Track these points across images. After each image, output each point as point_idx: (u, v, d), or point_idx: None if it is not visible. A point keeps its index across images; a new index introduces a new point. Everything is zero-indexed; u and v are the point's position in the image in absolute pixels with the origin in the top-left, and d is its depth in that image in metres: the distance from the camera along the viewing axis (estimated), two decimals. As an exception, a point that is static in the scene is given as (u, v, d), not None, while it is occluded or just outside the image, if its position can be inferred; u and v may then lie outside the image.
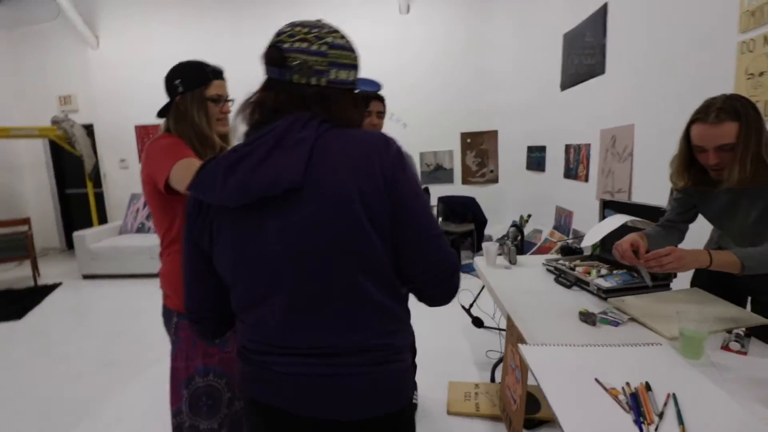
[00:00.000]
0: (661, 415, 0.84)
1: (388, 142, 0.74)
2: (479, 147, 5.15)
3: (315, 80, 0.73)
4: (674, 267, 1.20)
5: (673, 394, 0.89)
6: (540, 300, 1.53)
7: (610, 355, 1.08)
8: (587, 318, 1.31)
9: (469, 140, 5.14)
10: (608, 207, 1.84)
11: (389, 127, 5.23)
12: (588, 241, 1.68)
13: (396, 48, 5.03)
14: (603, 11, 3.02)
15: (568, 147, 3.74)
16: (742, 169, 1.15)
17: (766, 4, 1.68)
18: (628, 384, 0.94)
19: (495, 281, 1.79)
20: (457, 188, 5.23)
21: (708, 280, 1.48)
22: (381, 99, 1.76)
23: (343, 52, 0.76)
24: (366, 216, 0.68)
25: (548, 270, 1.85)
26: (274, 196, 0.66)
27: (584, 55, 3.33)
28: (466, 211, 4.63)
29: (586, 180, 3.38)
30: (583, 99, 3.43)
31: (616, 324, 1.29)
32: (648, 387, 0.92)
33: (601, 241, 1.91)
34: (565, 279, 1.70)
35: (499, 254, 2.04)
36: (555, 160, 4.07)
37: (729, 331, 1.19)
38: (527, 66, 4.59)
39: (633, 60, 2.70)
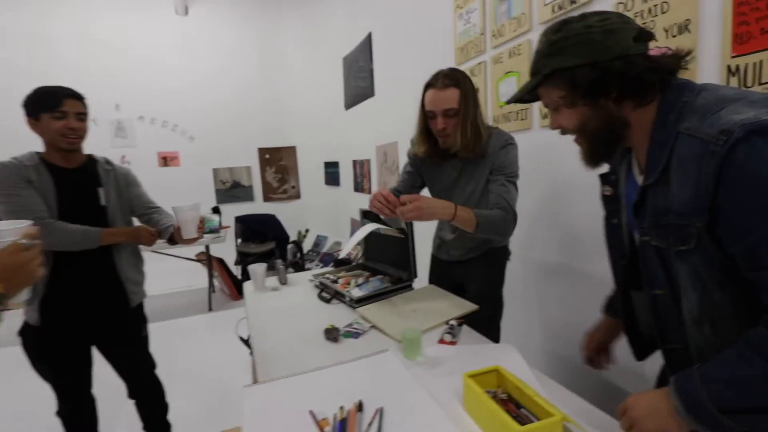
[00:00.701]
0: (362, 437, 0.79)
1: None
2: (279, 163, 5.00)
3: None
4: (415, 216, 1.20)
5: (381, 409, 0.87)
6: (295, 322, 1.42)
7: (335, 377, 1.01)
8: (330, 335, 1.25)
9: (267, 156, 4.93)
10: (366, 216, 1.91)
11: (174, 140, 4.58)
12: (344, 252, 1.68)
13: (175, 52, 4.43)
14: (369, 39, 3.31)
15: (354, 162, 3.96)
16: (464, 134, 1.32)
17: (469, 43, 2.06)
18: (342, 408, 0.88)
19: (256, 307, 1.61)
20: (258, 206, 4.94)
21: (438, 276, 1.66)
22: (79, 98, 1.37)
23: None
24: None
25: (315, 285, 1.79)
26: None
27: (359, 77, 3.58)
28: (267, 230, 4.38)
29: (370, 192, 3.62)
30: (361, 118, 3.69)
31: (357, 336, 1.27)
32: (360, 407, 0.88)
33: (364, 249, 1.99)
34: (326, 293, 1.65)
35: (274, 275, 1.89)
36: (347, 174, 4.26)
37: (448, 323, 1.32)
38: (317, 85, 4.72)
39: (394, 84, 3.02)
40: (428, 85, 1.36)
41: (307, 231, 4.33)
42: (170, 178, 4.52)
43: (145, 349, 1.63)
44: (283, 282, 1.87)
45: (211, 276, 3.60)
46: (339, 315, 1.45)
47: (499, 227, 1.33)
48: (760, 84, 0.98)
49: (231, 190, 4.79)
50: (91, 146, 1.50)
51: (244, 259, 4.09)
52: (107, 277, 1.46)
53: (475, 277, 1.56)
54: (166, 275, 4.23)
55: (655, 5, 1.19)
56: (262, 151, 4.91)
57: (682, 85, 0.67)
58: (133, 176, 1.61)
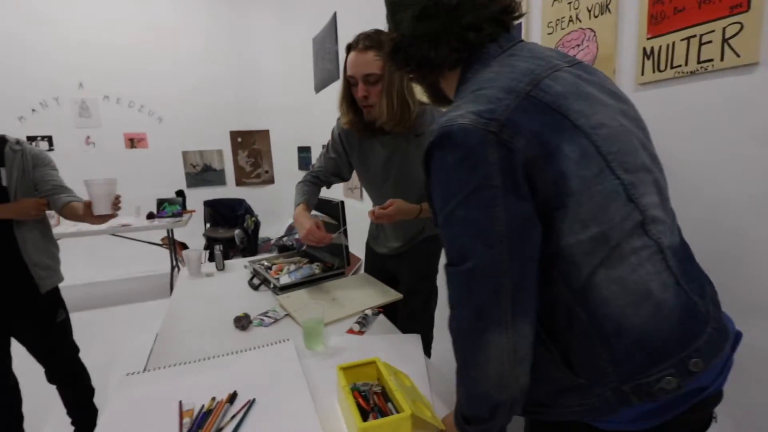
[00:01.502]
0: (220, 429, 0.75)
1: None
2: (251, 147, 4.89)
3: None
4: (389, 219, 1.26)
5: (251, 401, 0.83)
6: (213, 309, 1.37)
7: (223, 367, 0.97)
8: (239, 323, 1.21)
9: (240, 139, 4.82)
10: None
11: (141, 121, 4.44)
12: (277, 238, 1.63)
13: (142, 32, 4.26)
14: (334, 19, 3.20)
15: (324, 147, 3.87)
16: (390, 104, 1.19)
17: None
18: (213, 399, 0.84)
19: (184, 293, 1.56)
20: (231, 190, 4.84)
21: (373, 267, 1.62)
22: None
23: None
24: None
25: (250, 272, 1.74)
26: None
27: (326, 59, 3.48)
28: (236, 215, 4.30)
29: (337, 178, 3.55)
30: (330, 101, 3.59)
31: (267, 325, 1.22)
32: (232, 398, 0.84)
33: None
34: (256, 280, 1.61)
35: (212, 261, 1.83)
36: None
37: (364, 312, 1.28)
38: (289, 67, 4.59)
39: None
40: (349, 47, 1.21)
41: (255, 217, 4.24)
42: (138, 161, 4.40)
43: (63, 335, 1.57)
44: (220, 268, 1.82)
45: (174, 260, 3.53)
46: (262, 302, 1.41)
47: None
48: (672, 67, 0.93)
49: (202, 173, 4.69)
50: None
51: (211, 243, 4.02)
52: (11, 262, 1.39)
53: (409, 269, 1.51)
54: (128, 260, 4.20)
55: (580, -17, 1.13)
56: (234, 135, 4.80)
57: (482, 53, 0.63)
58: (44, 157, 1.52)
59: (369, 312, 1.25)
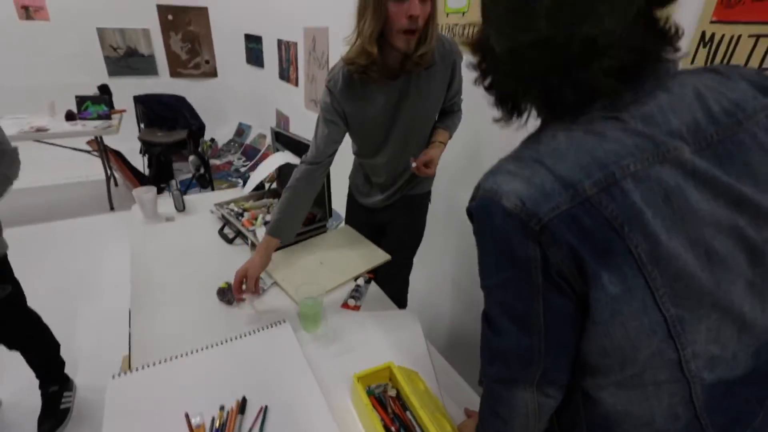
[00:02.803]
0: (239, 447, 0.74)
1: None
2: (186, 28, 4.08)
3: None
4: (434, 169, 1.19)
5: (264, 408, 0.81)
6: (189, 270, 1.26)
7: (220, 359, 0.92)
8: (224, 297, 1.12)
9: (170, 17, 3.96)
10: (278, 140, 1.64)
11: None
12: (250, 186, 1.46)
13: None
14: None
15: (280, 42, 3.34)
16: (433, 32, 1.00)
17: None
18: (222, 409, 0.80)
19: (144, 245, 1.40)
20: (164, 82, 4.16)
21: (356, 220, 1.54)
22: None
23: None
24: None
25: (218, 218, 1.58)
26: None
27: (283, -75, 2.76)
28: (176, 115, 3.78)
29: (297, 84, 3.16)
30: (287, -14, 2.97)
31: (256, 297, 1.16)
32: (243, 406, 0.81)
33: (277, 176, 1.76)
34: (229, 230, 1.47)
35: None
36: (271, 55, 3.63)
37: (356, 279, 1.26)
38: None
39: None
40: None
41: (212, 140, 3.80)
42: (37, 37, 3.51)
43: (10, 310, 1.38)
44: (180, 209, 1.63)
45: (107, 169, 3.12)
46: (240, 259, 1.30)
47: (456, 123, 1.32)
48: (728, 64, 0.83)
49: (125, 59, 3.91)
50: None
51: (149, 149, 3.57)
52: None
53: (398, 222, 1.46)
54: (55, 164, 3.58)
55: None
56: (163, 10, 3.92)
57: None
58: None
59: (361, 282, 1.23)
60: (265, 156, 3.85)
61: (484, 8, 0.50)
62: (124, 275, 1.41)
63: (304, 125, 3.19)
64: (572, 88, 0.46)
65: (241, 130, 4.46)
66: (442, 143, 1.23)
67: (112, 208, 3.13)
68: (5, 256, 1.32)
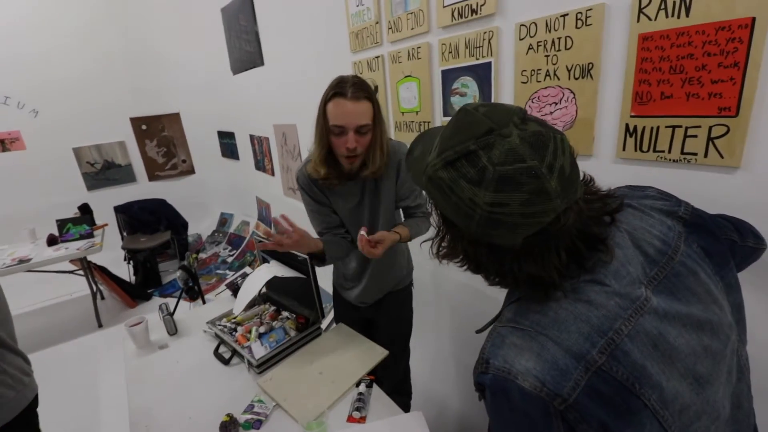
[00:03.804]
0: None
1: None
2: (161, 134, 4.26)
3: None
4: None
5: None
6: (188, 402, 1.23)
7: None
8: (227, 430, 1.10)
9: (144, 127, 4.15)
10: (264, 252, 1.68)
11: (9, 117, 3.53)
12: (239, 307, 1.48)
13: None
14: (248, -7, 2.74)
15: (252, 137, 3.51)
16: (382, 154, 1.14)
17: (364, 30, 1.77)
18: None
19: (139, 376, 1.38)
20: (144, 187, 4.25)
21: (345, 316, 1.56)
22: None
23: None
24: None
25: (212, 336, 1.58)
26: None
27: (243, 40, 3.03)
28: (158, 218, 3.84)
29: (273, 174, 3.28)
30: (253, 88, 3.19)
31: (258, 425, 1.14)
32: None
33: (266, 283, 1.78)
34: (224, 349, 1.47)
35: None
36: (245, 149, 3.80)
37: (358, 384, 1.25)
38: (196, 40, 3.93)
39: (284, 57, 2.60)
40: (335, 94, 1.08)
41: (197, 252, 3.86)
42: (15, 167, 3.60)
43: None
44: (172, 332, 1.62)
45: (93, 285, 3.08)
46: (238, 382, 1.30)
47: (422, 229, 1.31)
48: (655, 151, 0.94)
49: (104, 172, 4.02)
50: None
51: (134, 255, 3.57)
52: None
53: (384, 320, 1.50)
54: (38, 286, 3.49)
55: (558, 38, 1.06)
56: (137, 122, 4.11)
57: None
58: None
59: (363, 388, 1.22)
60: (248, 247, 3.88)
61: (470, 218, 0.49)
62: (121, 407, 1.35)
63: (286, 210, 3.27)
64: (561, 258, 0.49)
65: (224, 220, 4.52)
66: (398, 234, 1.24)
67: (100, 325, 3.05)
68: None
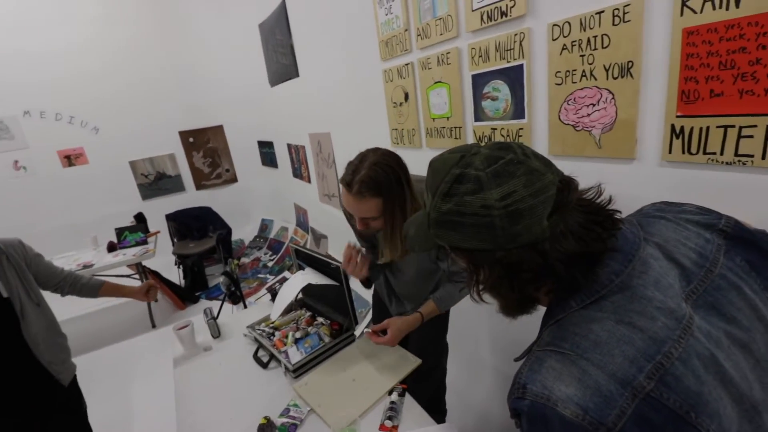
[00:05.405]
0: None
1: None
2: (206, 146, 4.51)
3: None
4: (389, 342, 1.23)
5: None
6: (229, 402, 1.29)
7: None
8: (265, 434, 1.14)
9: (191, 140, 4.41)
10: (298, 257, 1.73)
11: (74, 134, 3.89)
12: (276, 312, 1.53)
13: (52, 24, 3.62)
14: (283, 8, 2.84)
15: (289, 146, 3.63)
16: (393, 249, 1.14)
17: (393, 38, 1.78)
18: None
19: (186, 378, 1.46)
20: (192, 196, 4.50)
21: (381, 319, 1.56)
22: None
23: None
24: None
25: (252, 340, 1.64)
26: None
27: (279, 53, 3.14)
28: (205, 225, 4.05)
29: (309, 181, 3.37)
30: (289, 99, 3.30)
31: (294, 429, 1.17)
32: None
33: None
34: (263, 353, 1.52)
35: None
36: (283, 157, 3.93)
37: (390, 392, 1.25)
38: (236, 56, 4.12)
39: (318, 68, 2.66)
40: (343, 183, 1.08)
41: (239, 258, 4.03)
42: (80, 180, 3.95)
43: (84, 423, 1.47)
44: (216, 335, 1.71)
45: (147, 289, 3.31)
46: (275, 384, 1.34)
47: (455, 298, 1.28)
48: (705, 153, 0.87)
49: (156, 182, 4.31)
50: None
51: (183, 260, 3.79)
52: (29, 366, 1.27)
53: (416, 335, 1.48)
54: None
55: (594, 36, 1.01)
56: (185, 135, 4.37)
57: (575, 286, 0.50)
58: (27, 246, 1.37)
59: (395, 397, 1.22)
60: (287, 252, 3.99)
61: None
62: (168, 404, 1.44)
63: (322, 216, 3.35)
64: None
65: (265, 226, 4.69)
66: (420, 315, 1.24)
67: (153, 326, 3.27)
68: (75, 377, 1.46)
